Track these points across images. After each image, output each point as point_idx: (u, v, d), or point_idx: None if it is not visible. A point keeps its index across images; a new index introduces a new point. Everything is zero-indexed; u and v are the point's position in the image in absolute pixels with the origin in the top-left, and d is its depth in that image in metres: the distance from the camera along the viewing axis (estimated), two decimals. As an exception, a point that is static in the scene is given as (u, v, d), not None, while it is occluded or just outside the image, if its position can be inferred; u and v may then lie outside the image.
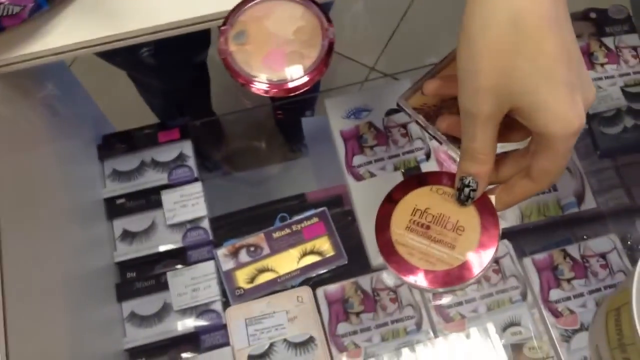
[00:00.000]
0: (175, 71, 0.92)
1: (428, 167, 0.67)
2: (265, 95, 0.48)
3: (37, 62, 0.51)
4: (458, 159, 0.43)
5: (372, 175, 0.67)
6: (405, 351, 0.60)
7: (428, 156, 0.68)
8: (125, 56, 0.81)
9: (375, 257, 0.64)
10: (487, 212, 0.42)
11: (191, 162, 0.68)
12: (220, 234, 0.69)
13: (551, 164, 0.38)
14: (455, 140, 0.44)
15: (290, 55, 0.48)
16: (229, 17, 0.50)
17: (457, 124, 0.41)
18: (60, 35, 0.51)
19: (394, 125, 0.69)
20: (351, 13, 1.40)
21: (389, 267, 0.41)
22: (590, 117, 0.70)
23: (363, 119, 0.70)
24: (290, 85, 0.48)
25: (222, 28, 0.49)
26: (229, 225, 0.73)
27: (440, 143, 0.45)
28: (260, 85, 0.48)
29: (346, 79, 1.43)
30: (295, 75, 0.48)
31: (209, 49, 0.97)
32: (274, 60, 0.48)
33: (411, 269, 0.40)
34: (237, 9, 0.50)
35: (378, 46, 1.51)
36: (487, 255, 0.41)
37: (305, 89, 0.48)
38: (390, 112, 0.70)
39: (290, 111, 0.88)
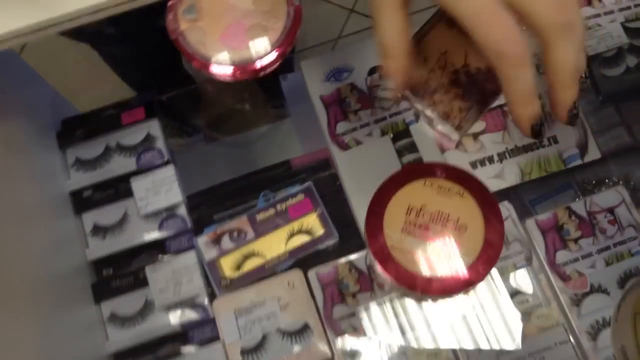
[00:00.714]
0: (142, 37, 0.84)
1: (418, 128, 0.62)
2: (229, 79, 0.42)
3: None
4: (452, 137, 0.38)
5: (358, 142, 0.62)
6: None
7: (417, 117, 0.62)
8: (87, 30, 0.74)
9: (368, 232, 0.60)
10: (489, 205, 0.36)
11: (160, 143, 0.62)
12: (201, 216, 0.64)
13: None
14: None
15: (252, 29, 0.42)
16: None
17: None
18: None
19: (378, 85, 0.63)
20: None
21: (386, 276, 0.36)
22: (590, 59, 0.64)
23: (344, 80, 0.64)
24: (258, 64, 0.42)
25: (170, 3, 0.42)
26: (210, 202, 0.68)
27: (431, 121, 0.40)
28: (221, 69, 0.42)
29: (324, 26, 1.35)
30: (262, 51, 0.42)
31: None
32: (233, 36, 0.41)
33: (413, 278, 0.36)
34: None
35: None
36: (495, 253, 0.36)
37: (274, 66, 0.42)
38: (373, 70, 0.64)
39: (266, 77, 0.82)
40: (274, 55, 0.42)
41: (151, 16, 0.86)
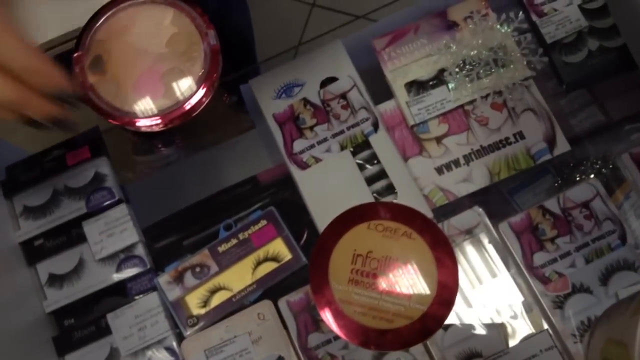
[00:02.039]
0: None
1: (378, 139, 0.59)
2: (160, 129, 0.38)
3: None
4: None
5: (317, 160, 0.59)
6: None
7: (376, 127, 0.60)
8: None
9: (336, 253, 0.57)
10: (439, 242, 0.34)
11: (110, 181, 0.59)
12: (169, 244, 0.62)
13: None
14: None
15: (167, 75, 0.38)
16: (82, 39, 0.39)
17: None
18: None
19: (332, 97, 0.61)
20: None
21: (337, 332, 0.33)
22: (550, 47, 0.61)
23: (296, 96, 0.61)
24: (187, 106, 0.38)
25: (75, 55, 0.39)
26: (178, 228, 0.65)
27: None
28: (147, 122, 0.38)
29: (285, 22, 1.31)
30: (187, 92, 0.38)
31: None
32: (148, 85, 0.38)
33: (365, 332, 0.33)
34: (89, 26, 0.39)
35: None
36: (451, 296, 0.33)
37: (206, 100, 0.39)
38: (325, 83, 0.61)
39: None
40: (201, 92, 0.39)
41: None
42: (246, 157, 0.79)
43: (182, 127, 0.98)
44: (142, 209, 0.63)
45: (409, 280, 0.34)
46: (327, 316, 0.34)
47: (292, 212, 0.62)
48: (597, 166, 0.63)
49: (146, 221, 0.62)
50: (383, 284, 0.34)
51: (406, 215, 0.35)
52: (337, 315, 0.33)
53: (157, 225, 0.65)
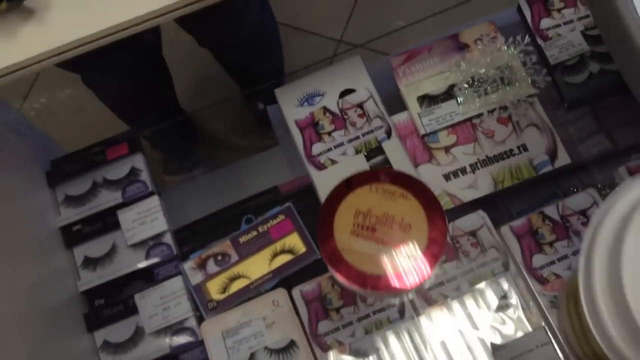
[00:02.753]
0: (130, 68, 0.88)
1: (390, 145, 0.64)
2: None
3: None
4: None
5: (333, 162, 0.64)
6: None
7: (389, 134, 0.65)
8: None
9: (347, 248, 0.61)
10: (431, 204, 0.38)
11: (144, 175, 0.65)
12: (188, 245, 0.66)
13: None
14: None
15: None
16: None
17: None
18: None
19: (350, 107, 0.66)
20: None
21: (338, 278, 0.38)
22: (553, 68, 0.66)
23: (317, 104, 0.66)
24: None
25: None
26: (199, 232, 0.70)
27: None
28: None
29: (315, 57, 1.38)
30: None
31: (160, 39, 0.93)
32: None
33: (363, 277, 0.37)
34: None
35: (342, 16, 1.47)
36: (439, 250, 0.38)
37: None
38: (344, 93, 0.67)
39: (257, 101, 0.84)
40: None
41: (141, 50, 0.90)
42: (269, 171, 0.84)
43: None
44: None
45: (403, 234, 0.38)
46: (329, 263, 0.38)
47: (309, 219, 0.66)
48: (604, 192, 0.67)
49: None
50: (381, 236, 0.38)
51: (403, 180, 0.40)
52: (339, 261, 0.38)
53: (179, 231, 0.70)
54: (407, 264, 0.38)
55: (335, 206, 0.40)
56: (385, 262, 0.38)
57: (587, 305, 0.34)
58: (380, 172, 0.40)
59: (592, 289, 0.33)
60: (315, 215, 0.66)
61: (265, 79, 0.98)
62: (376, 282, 0.37)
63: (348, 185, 0.40)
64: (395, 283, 0.38)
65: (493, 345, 0.58)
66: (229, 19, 0.91)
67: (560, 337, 0.51)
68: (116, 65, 0.88)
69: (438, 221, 0.38)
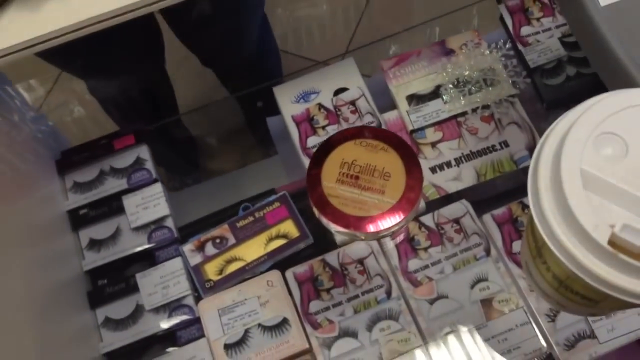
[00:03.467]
0: (130, 74, 0.92)
1: (380, 139, 0.69)
2: None
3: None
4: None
5: (326, 154, 0.68)
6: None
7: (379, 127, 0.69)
8: (81, 61, 0.83)
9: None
10: (409, 156, 0.43)
11: (149, 164, 0.69)
12: (187, 234, 0.70)
13: None
14: None
15: None
16: None
17: None
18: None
19: (343, 104, 0.71)
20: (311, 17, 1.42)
21: (324, 219, 0.42)
22: (532, 71, 0.71)
23: (312, 101, 0.71)
24: None
25: None
26: (196, 225, 0.73)
27: None
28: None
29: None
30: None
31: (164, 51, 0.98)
32: None
33: (347, 219, 0.41)
34: None
35: (341, 47, 1.53)
36: (415, 195, 0.42)
37: None
38: (338, 92, 0.71)
39: (249, 100, 0.89)
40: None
41: (144, 58, 0.95)
42: (266, 179, 0.88)
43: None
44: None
45: (383, 181, 0.42)
46: (316, 207, 0.42)
47: (304, 218, 0.70)
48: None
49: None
50: (363, 183, 0.43)
51: (385, 135, 0.44)
52: (326, 205, 0.42)
53: (182, 229, 0.74)
54: (386, 207, 0.42)
55: (323, 158, 0.44)
56: (367, 205, 0.42)
57: (533, 204, 0.38)
58: (363, 129, 0.45)
59: (537, 190, 0.37)
60: (309, 216, 0.71)
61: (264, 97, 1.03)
62: (358, 223, 0.41)
63: (334, 140, 0.44)
64: (376, 224, 0.41)
65: (476, 325, 0.61)
66: (230, 39, 0.96)
67: (524, 273, 0.54)
68: (119, 74, 0.92)
69: (415, 171, 0.42)
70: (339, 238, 0.65)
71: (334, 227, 0.41)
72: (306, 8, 1.45)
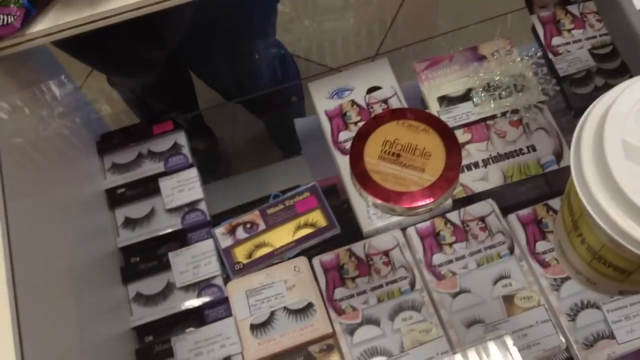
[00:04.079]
0: (151, 69, 0.95)
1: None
2: None
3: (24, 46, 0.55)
4: None
5: (358, 148, 0.70)
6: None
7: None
8: (100, 55, 0.85)
9: (366, 224, 0.67)
10: (449, 138, 0.45)
11: (185, 150, 0.72)
12: (218, 219, 0.72)
13: None
14: None
15: None
16: None
17: None
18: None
19: (376, 102, 0.73)
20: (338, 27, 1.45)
21: (365, 194, 0.44)
22: (562, 79, 0.73)
23: (346, 97, 0.73)
24: None
25: None
26: (224, 215, 0.76)
27: None
28: None
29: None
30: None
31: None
32: None
33: (387, 193, 0.43)
34: None
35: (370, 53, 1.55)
36: (454, 174, 0.44)
37: None
38: (372, 90, 0.74)
39: (276, 99, 0.91)
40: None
41: (158, 50, 0.97)
42: (291, 177, 0.90)
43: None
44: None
45: (423, 160, 0.45)
46: (359, 181, 0.44)
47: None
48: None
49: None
50: (404, 160, 0.45)
51: (426, 117, 0.46)
52: (367, 180, 0.44)
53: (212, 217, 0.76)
54: (426, 184, 0.44)
55: (366, 135, 0.46)
56: (407, 182, 0.44)
57: (576, 173, 0.40)
58: (406, 110, 0.47)
59: (580, 159, 0.39)
60: (337, 214, 0.72)
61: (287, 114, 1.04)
62: (398, 198, 0.43)
63: (378, 119, 0.47)
64: (415, 199, 0.43)
65: (497, 320, 0.62)
66: (239, 73, 0.97)
67: (557, 254, 0.55)
68: (139, 69, 0.94)
69: (454, 152, 0.45)
70: (366, 230, 0.67)
71: (373, 200, 0.43)
72: (332, 21, 1.49)
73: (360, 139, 0.46)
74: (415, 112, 0.46)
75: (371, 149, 0.45)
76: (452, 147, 0.45)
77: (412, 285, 0.65)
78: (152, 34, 0.80)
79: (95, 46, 0.78)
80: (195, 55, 0.95)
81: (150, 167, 0.71)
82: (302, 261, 0.66)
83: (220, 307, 0.65)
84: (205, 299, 0.65)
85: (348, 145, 0.71)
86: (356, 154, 0.45)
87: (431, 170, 0.44)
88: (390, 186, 0.44)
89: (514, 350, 0.44)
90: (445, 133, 0.45)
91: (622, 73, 0.73)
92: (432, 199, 0.43)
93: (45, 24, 0.54)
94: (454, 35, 0.78)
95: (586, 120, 0.41)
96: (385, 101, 0.73)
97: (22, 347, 0.50)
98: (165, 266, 0.67)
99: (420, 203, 0.43)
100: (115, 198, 0.70)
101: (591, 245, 0.42)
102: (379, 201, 0.43)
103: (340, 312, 0.64)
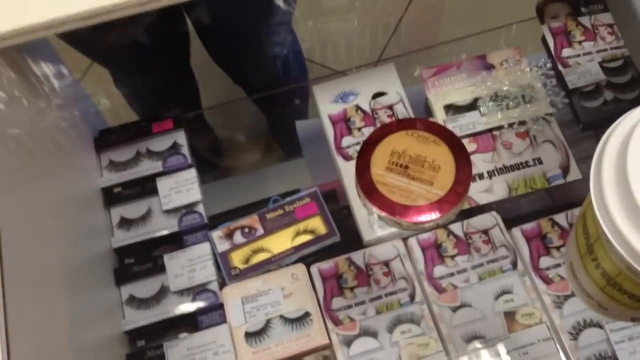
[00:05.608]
0: (155, 64, 0.93)
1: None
2: None
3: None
4: None
5: (361, 155, 0.69)
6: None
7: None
8: (105, 50, 0.83)
9: (366, 233, 0.65)
10: (459, 151, 0.43)
11: (185, 150, 0.70)
12: (215, 220, 0.71)
13: None
14: None
15: None
16: None
17: None
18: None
19: (381, 107, 0.71)
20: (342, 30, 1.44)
21: (369, 205, 0.42)
22: (571, 92, 0.71)
23: (350, 102, 0.72)
24: None
25: None
26: (221, 217, 0.74)
27: None
28: None
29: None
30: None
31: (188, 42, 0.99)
32: None
33: (393, 206, 0.42)
34: None
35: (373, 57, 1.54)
36: (464, 189, 0.42)
37: None
38: (377, 95, 0.72)
39: (280, 101, 0.90)
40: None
41: (161, 49, 0.96)
42: (291, 179, 0.89)
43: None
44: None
45: (432, 173, 0.43)
46: (364, 192, 0.43)
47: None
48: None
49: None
50: (412, 172, 0.43)
51: (436, 128, 0.45)
52: (373, 191, 0.43)
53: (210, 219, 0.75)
54: (434, 198, 0.42)
55: (374, 145, 0.44)
56: (414, 195, 0.42)
57: (595, 195, 0.38)
58: (416, 120, 0.45)
59: (600, 181, 0.37)
60: (337, 219, 0.71)
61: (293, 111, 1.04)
62: (404, 212, 0.41)
63: (386, 128, 0.45)
64: (422, 213, 0.42)
65: (497, 336, 0.61)
66: (250, 54, 0.97)
67: (566, 270, 0.54)
68: (144, 68, 0.93)
69: (464, 166, 0.43)
70: (366, 239, 0.65)
71: (378, 212, 0.41)
72: (336, 23, 1.47)
73: (367, 148, 0.45)
74: (426, 122, 0.45)
75: (378, 159, 0.44)
76: (463, 161, 0.43)
77: (412, 297, 0.63)
78: (179, 22, 0.78)
79: (105, 40, 0.76)
80: (226, 44, 0.94)
81: (148, 166, 0.69)
82: (300, 268, 0.65)
83: (214, 313, 0.63)
84: (200, 304, 0.64)
85: (351, 151, 0.69)
86: (362, 163, 0.44)
87: (440, 184, 0.43)
88: (397, 199, 0.42)
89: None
90: (456, 146, 0.44)
91: (632, 88, 0.71)
92: (439, 214, 0.41)
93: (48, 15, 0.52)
94: (461, 42, 0.77)
95: (607, 142, 0.39)
96: (390, 107, 0.71)
97: (9, 349, 0.48)
98: (160, 269, 0.65)
99: (427, 218, 0.41)
100: (111, 197, 0.69)
101: (606, 271, 0.41)
102: (384, 214, 0.41)
103: (337, 322, 0.63)
